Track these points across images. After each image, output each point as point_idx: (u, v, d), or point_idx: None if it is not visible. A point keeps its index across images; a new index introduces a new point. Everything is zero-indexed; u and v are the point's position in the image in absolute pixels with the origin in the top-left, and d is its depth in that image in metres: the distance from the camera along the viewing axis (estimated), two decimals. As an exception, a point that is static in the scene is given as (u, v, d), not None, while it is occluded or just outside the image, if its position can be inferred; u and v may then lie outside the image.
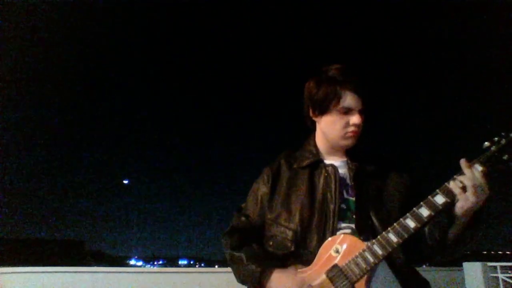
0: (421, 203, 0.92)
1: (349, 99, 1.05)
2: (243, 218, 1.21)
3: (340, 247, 0.96)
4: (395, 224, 0.93)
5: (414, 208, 0.92)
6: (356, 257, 0.93)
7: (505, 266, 5.19)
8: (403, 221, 0.92)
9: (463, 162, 0.92)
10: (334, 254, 0.96)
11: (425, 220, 0.91)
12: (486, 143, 0.93)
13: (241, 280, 1.09)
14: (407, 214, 0.93)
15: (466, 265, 5.26)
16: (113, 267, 5.27)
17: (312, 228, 1.04)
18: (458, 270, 5.38)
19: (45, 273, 4.26)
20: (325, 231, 1.02)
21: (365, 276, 0.91)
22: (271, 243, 1.10)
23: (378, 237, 0.93)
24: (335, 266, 0.94)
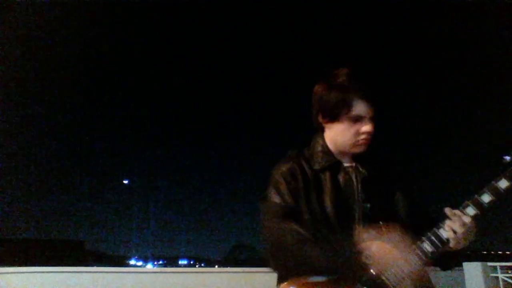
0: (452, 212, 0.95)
1: (360, 107, 1.03)
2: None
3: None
4: (428, 233, 0.95)
5: (446, 219, 0.95)
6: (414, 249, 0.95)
7: (505, 266, 5.19)
8: (437, 231, 0.95)
9: (448, 211, 0.94)
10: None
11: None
12: (508, 158, 0.92)
13: (326, 266, 0.93)
14: (439, 223, 0.96)
15: (466, 265, 5.26)
16: (113, 267, 5.28)
17: (337, 231, 1.02)
18: (458, 270, 5.38)
19: (45, 273, 4.26)
20: (351, 233, 1.01)
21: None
22: None
23: (428, 233, 0.95)
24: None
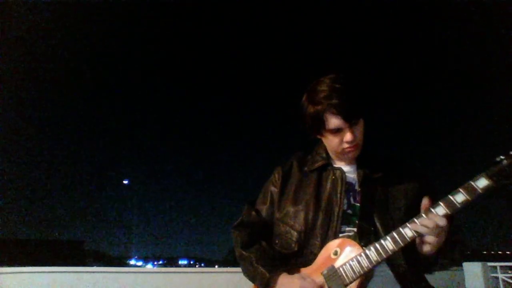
0: (422, 213, 0.90)
1: (333, 122, 1.03)
2: (253, 213, 1.23)
3: (340, 249, 0.98)
4: (393, 231, 0.92)
5: (414, 218, 0.91)
6: (352, 260, 0.94)
7: (505, 266, 5.21)
8: (401, 230, 0.91)
9: (424, 206, 0.91)
10: (333, 256, 0.99)
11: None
12: (501, 157, 0.87)
13: (250, 278, 1.11)
14: (406, 223, 0.91)
15: (466, 265, 5.26)
16: (113, 267, 5.28)
17: (316, 230, 1.06)
18: (458, 270, 5.38)
19: (45, 273, 4.26)
20: (328, 234, 1.03)
21: (358, 280, 0.93)
22: (277, 241, 1.14)
23: (375, 243, 0.93)
24: (332, 267, 0.97)
